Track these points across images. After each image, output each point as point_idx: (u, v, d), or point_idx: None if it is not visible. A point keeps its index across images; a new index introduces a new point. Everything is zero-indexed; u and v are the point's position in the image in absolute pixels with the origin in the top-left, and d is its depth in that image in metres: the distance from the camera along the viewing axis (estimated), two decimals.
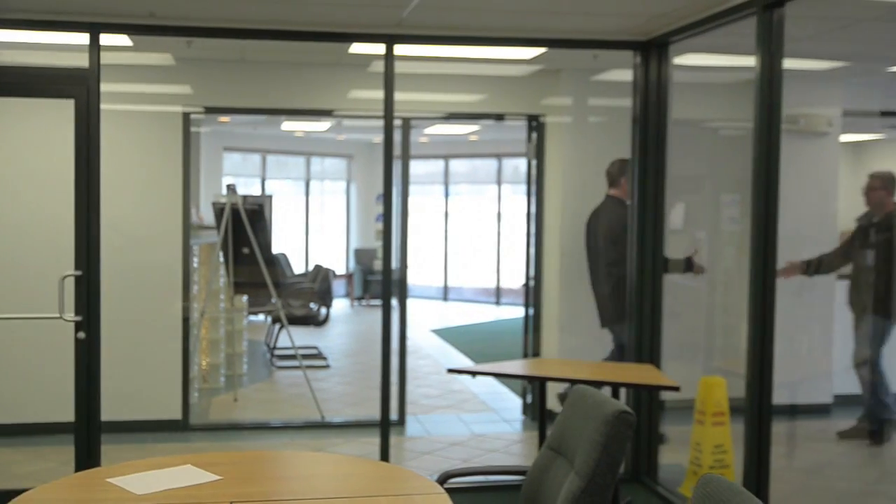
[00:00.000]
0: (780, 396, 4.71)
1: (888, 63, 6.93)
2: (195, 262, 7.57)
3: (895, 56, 6.62)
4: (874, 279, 6.34)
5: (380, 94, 5.46)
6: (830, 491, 5.85)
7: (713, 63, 6.97)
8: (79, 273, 4.94)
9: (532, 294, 7.42)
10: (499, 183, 16.38)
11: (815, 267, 6.25)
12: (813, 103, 7.43)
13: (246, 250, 7.72)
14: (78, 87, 4.95)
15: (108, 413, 5.21)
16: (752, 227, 4.64)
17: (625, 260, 5.98)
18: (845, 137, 8.42)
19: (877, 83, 8.24)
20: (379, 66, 5.53)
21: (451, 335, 12.40)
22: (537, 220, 7.31)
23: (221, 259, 8.01)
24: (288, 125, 13.20)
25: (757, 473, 4.63)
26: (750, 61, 4.62)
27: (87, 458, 5.00)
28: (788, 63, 4.56)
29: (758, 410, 4.61)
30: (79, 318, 4.95)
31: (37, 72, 5.12)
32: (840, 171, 7.98)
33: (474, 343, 11.75)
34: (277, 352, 9.76)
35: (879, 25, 5.59)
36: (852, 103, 7.95)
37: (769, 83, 4.53)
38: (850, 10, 5.30)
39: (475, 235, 16.57)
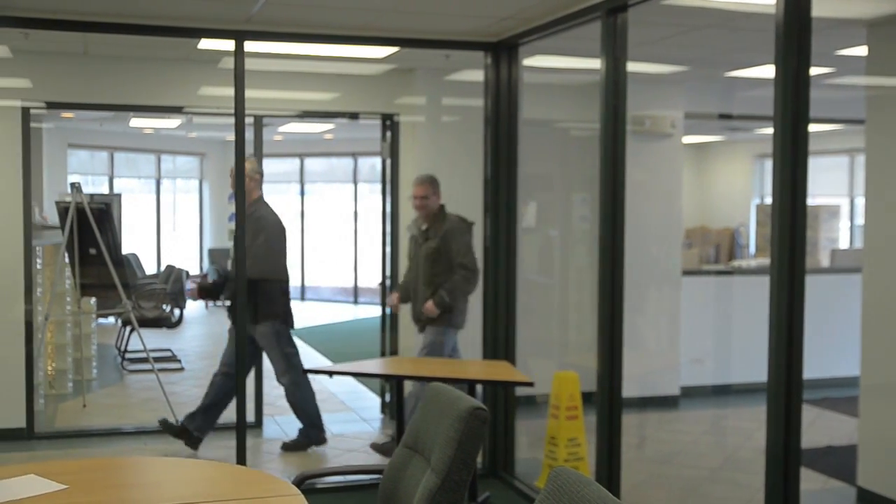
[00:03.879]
0: (630, 389, 4.87)
1: (726, 68, 7.24)
2: (38, 263, 7.26)
3: (733, 61, 6.92)
4: None
5: (231, 91, 5.37)
6: (679, 478, 6.09)
7: (562, 65, 7.14)
8: None
9: (389, 292, 7.43)
10: (355, 181, 16.34)
11: None
12: (657, 105, 7.71)
13: (93, 251, 7.45)
14: None
15: None
16: (600, 226, 4.77)
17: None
18: (688, 139, 8.76)
19: (716, 87, 8.62)
20: (230, 63, 5.44)
21: (309, 335, 12.29)
22: (392, 219, 7.33)
23: (67, 260, 7.71)
24: (136, 122, 12.81)
25: (609, 464, 4.77)
26: (596, 64, 4.76)
27: None
28: (632, 66, 4.72)
29: (609, 403, 4.75)
30: None
31: None
32: (683, 171, 8.31)
33: (332, 342, 11.69)
34: (129, 355, 9.47)
35: (717, 32, 5.84)
36: (693, 106, 8.30)
37: (614, 85, 4.68)
38: (689, 17, 5.52)
39: (332, 234, 16.49)
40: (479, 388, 5.65)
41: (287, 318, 6.55)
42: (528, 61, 5.89)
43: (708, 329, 8.14)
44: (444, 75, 7.08)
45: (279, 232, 6.47)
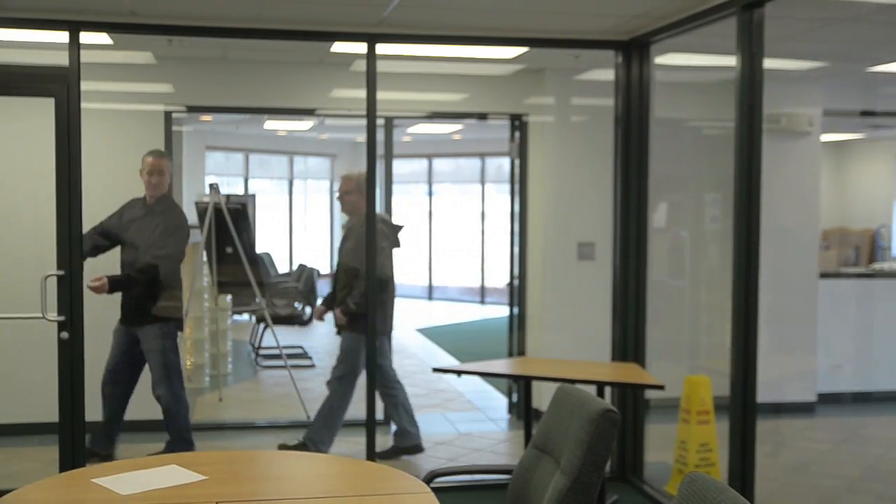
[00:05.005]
0: (764, 395, 4.74)
1: (867, 63, 6.97)
2: None
3: (874, 56, 6.66)
4: None
5: (362, 93, 5.46)
6: (816, 488, 5.89)
7: (694, 63, 7.00)
8: (61, 273, 4.91)
9: (516, 293, 7.43)
10: (482, 182, 16.39)
11: None
12: (794, 103, 7.47)
13: (229, 250, 7.69)
14: (58, 86, 4.92)
15: (93, 413, 5.19)
16: (734, 226, 4.66)
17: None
18: (826, 137, 8.46)
19: (856, 83, 8.30)
20: (361, 65, 5.53)
21: (436, 334, 12.40)
22: (521, 219, 7.33)
23: (205, 259, 7.98)
24: (270, 124, 13.16)
25: (742, 471, 4.65)
26: (731, 61, 4.65)
27: (72, 458, 4.97)
28: (769, 63, 4.59)
29: (742, 408, 4.64)
30: (62, 318, 4.92)
31: (17, 70, 5.09)
32: (821, 170, 8.03)
33: (459, 342, 11.76)
34: (262, 351, 9.74)
35: (858, 26, 5.63)
36: (833, 103, 8.01)
37: (750, 83, 4.56)
38: (829, 10, 5.33)
39: (459, 234, 16.57)
40: (607, 390, 5.59)
41: (179, 322, 5.91)
42: (659, 59, 5.80)
43: (847, 334, 7.85)
44: (574, 75, 7.03)
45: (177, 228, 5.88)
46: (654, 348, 5.95)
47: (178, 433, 5.87)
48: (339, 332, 6.29)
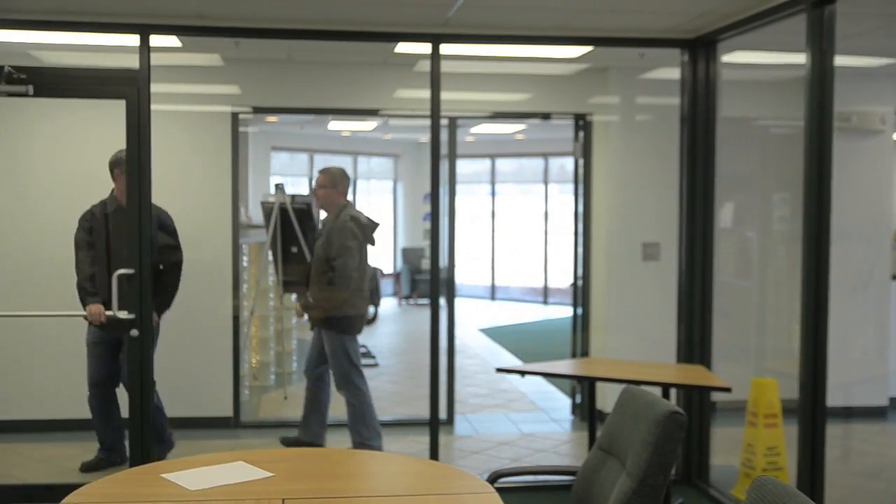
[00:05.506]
0: (834, 398, 4.65)
1: None
2: (245, 260, 7.64)
3: None
4: None
5: (426, 94, 5.48)
6: (888, 495, 5.77)
7: (762, 61, 6.89)
8: (131, 271, 5.00)
9: (580, 293, 7.39)
10: (545, 182, 16.34)
11: None
12: (865, 101, 7.32)
13: (294, 249, 7.77)
14: (129, 88, 5.01)
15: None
16: (803, 227, 4.58)
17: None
18: None
19: None
20: (425, 66, 5.55)
21: (499, 334, 12.39)
22: (585, 219, 7.28)
23: (270, 258, 8.08)
24: (335, 125, 13.28)
25: (811, 476, 4.57)
26: (800, 58, 4.57)
27: (140, 453, 5.06)
28: (839, 60, 4.50)
29: (812, 412, 4.55)
30: (132, 316, 5.01)
31: (89, 73, 5.19)
32: (894, 170, 7.85)
33: (522, 342, 11.73)
34: None
35: None
36: None
37: (820, 81, 4.48)
38: None
39: (522, 235, 16.54)
40: (672, 392, 5.54)
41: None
42: (726, 57, 5.72)
43: None
44: (639, 73, 6.97)
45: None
46: (719, 350, 5.87)
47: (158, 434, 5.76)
48: (312, 328, 6.26)
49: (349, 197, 6.16)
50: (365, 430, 6.09)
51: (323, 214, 6.23)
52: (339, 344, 6.03)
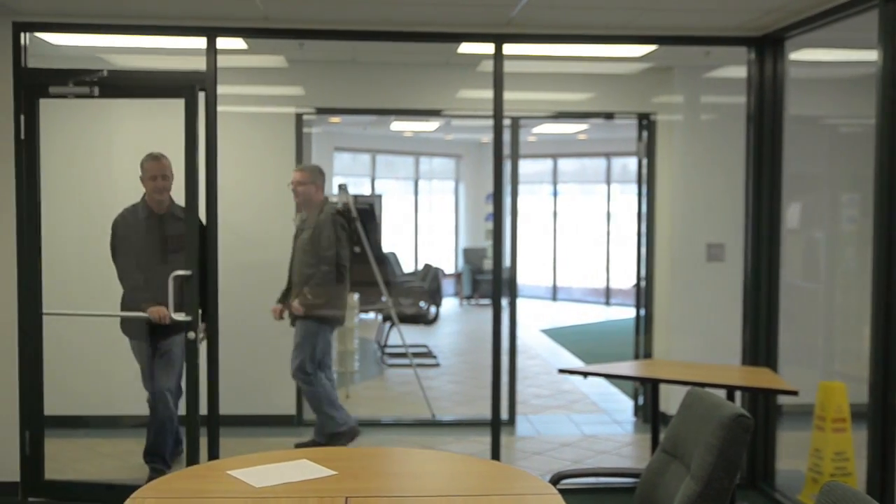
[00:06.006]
0: None
1: None
2: None
3: None
4: None
5: (488, 94, 5.47)
6: None
7: (831, 58, 6.77)
8: (188, 273, 5.04)
9: (643, 294, 7.33)
10: (608, 182, 16.23)
11: None
12: None
13: (357, 249, 7.83)
14: (195, 90, 5.08)
15: (225, 407, 5.35)
16: (874, 227, 4.48)
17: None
18: None
19: None
20: (488, 66, 5.55)
21: (561, 335, 12.34)
22: (648, 220, 7.22)
23: None
24: (397, 125, 13.34)
25: (881, 482, 4.47)
26: (871, 56, 4.47)
27: (197, 450, 5.12)
28: None
29: (882, 416, 4.46)
30: (189, 318, 5.06)
31: (157, 75, 5.28)
32: None
33: (584, 343, 11.67)
34: (388, 350, 9.87)
35: None
36: None
37: (892, 78, 4.38)
38: None
39: (584, 235, 16.46)
40: (737, 395, 5.46)
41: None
42: (794, 55, 5.63)
43: None
44: (704, 72, 6.89)
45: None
46: (785, 353, 5.78)
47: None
48: (292, 324, 6.30)
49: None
50: (322, 415, 6.23)
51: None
52: (313, 331, 6.13)
